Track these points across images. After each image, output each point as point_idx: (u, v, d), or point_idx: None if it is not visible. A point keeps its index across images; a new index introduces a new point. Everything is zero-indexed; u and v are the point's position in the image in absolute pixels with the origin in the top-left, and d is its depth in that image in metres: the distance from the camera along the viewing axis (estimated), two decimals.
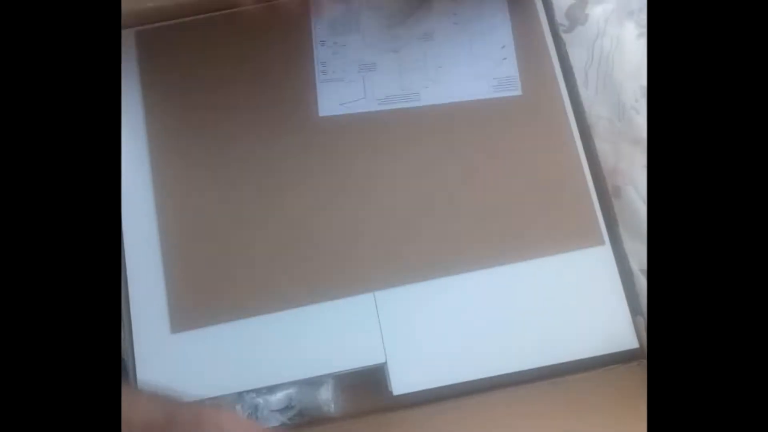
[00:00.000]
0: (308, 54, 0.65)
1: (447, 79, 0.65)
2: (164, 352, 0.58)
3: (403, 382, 0.57)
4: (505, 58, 0.65)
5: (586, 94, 0.69)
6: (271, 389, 0.58)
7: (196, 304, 0.59)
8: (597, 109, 0.69)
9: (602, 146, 0.64)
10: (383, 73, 0.65)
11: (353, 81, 0.65)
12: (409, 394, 0.56)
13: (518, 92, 0.64)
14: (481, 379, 0.57)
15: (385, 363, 0.57)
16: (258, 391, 0.58)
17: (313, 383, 0.58)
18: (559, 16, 0.70)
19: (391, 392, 0.56)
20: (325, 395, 0.57)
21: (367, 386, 0.59)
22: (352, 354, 0.58)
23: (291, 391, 0.58)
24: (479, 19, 0.66)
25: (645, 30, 0.69)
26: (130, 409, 0.35)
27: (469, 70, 0.65)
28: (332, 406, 0.57)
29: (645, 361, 0.56)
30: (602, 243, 0.60)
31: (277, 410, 0.58)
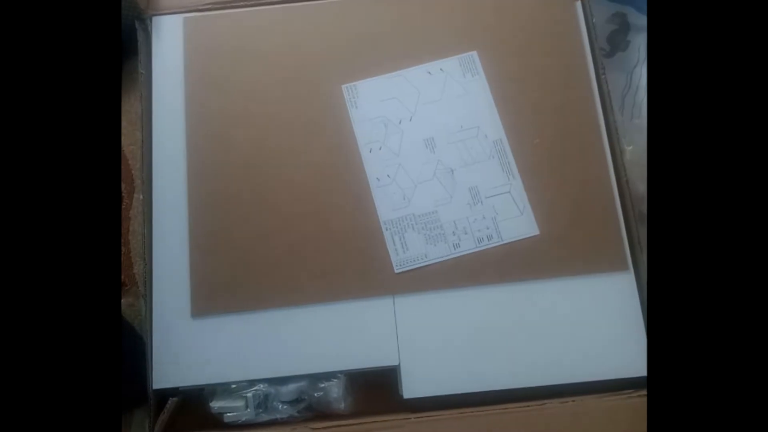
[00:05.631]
0: None
1: None
2: (183, 334, 0.59)
3: (414, 386, 0.57)
4: None
5: (620, 119, 0.69)
6: (284, 381, 0.58)
7: (218, 291, 0.60)
8: (630, 135, 0.69)
9: (633, 172, 0.64)
10: None
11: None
12: (419, 398, 0.57)
13: None
14: (490, 392, 0.57)
15: (398, 366, 0.58)
16: (270, 381, 0.58)
17: (325, 379, 0.58)
18: (601, 41, 0.70)
19: (401, 395, 0.57)
20: (336, 392, 0.58)
21: (378, 387, 0.60)
22: (367, 354, 0.58)
23: (303, 384, 0.59)
24: None
25: None
26: None
27: None
28: (342, 403, 0.58)
29: None
30: (626, 269, 0.60)
31: (288, 402, 0.58)
